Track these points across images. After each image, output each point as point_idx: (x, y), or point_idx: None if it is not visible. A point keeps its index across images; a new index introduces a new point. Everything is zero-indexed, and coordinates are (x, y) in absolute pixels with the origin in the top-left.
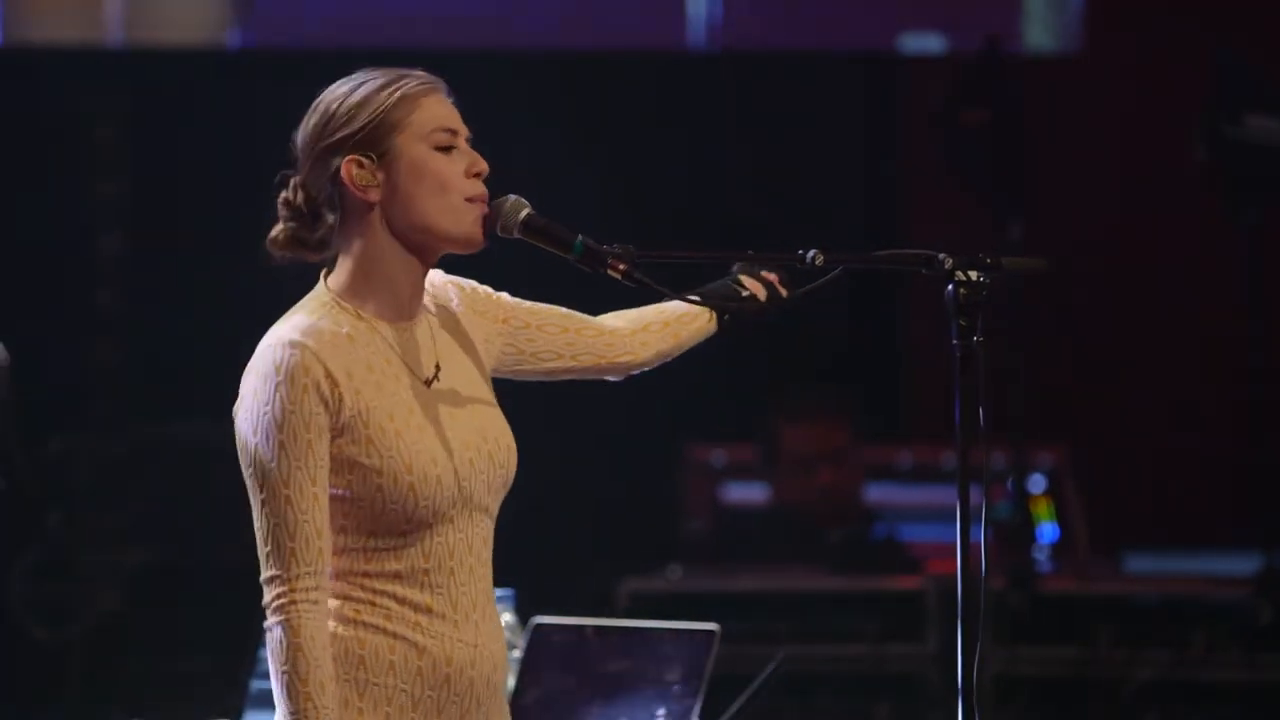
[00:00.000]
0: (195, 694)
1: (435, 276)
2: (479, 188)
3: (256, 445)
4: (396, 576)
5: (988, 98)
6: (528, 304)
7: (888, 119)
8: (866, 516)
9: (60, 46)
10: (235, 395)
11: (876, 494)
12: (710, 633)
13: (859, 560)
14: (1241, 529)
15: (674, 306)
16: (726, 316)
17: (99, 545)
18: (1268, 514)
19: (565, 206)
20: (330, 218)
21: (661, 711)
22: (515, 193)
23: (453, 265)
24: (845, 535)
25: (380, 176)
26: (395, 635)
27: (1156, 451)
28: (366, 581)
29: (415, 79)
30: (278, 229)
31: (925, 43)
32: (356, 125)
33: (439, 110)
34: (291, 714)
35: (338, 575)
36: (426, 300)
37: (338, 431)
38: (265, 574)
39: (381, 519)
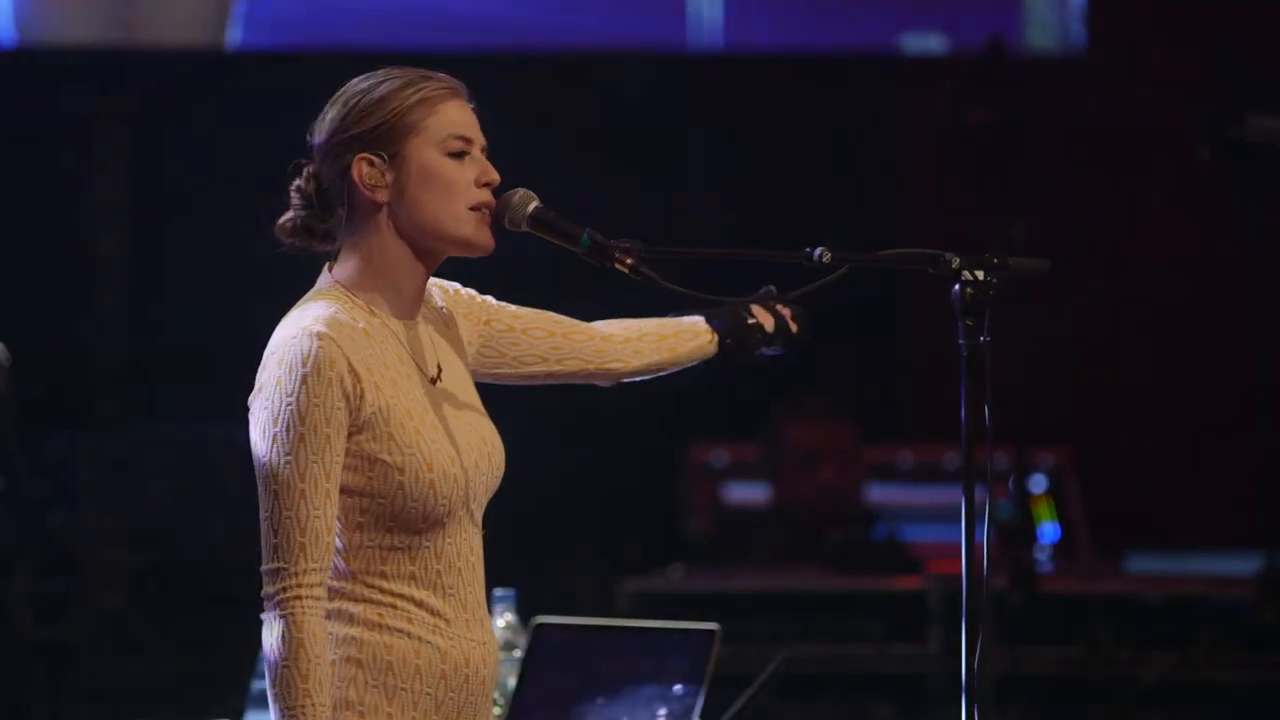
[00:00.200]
0: (195, 694)
1: None
2: (486, 196)
3: (275, 436)
4: (412, 578)
5: (989, 98)
6: (513, 308)
7: (889, 119)
8: (868, 517)
9: (61, 46)
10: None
11: (878, 494)
12: (711, 633)
13: (860, 560)
14: (1242, 529)
15: (677, 321)
16: (729, 340)
17: (99, 545)
18: (1268, 514)
19: (565, 207)
20: (339, 210)
21: (662, 711)
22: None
23: (474, 265)
24: (847, 535)
25: (389, 178)
26: (420, 639)
27: (1157, 451)
28: (384, 584)
29: (437, 82)
30: (288, 215)
31: (927, 43)
32: (372, 123)
33: (456, 116)
34: (288, 710)
35: (353, 577)
36: None
37: (357, 428)
38: (269, 565)
39: (400, 516)
